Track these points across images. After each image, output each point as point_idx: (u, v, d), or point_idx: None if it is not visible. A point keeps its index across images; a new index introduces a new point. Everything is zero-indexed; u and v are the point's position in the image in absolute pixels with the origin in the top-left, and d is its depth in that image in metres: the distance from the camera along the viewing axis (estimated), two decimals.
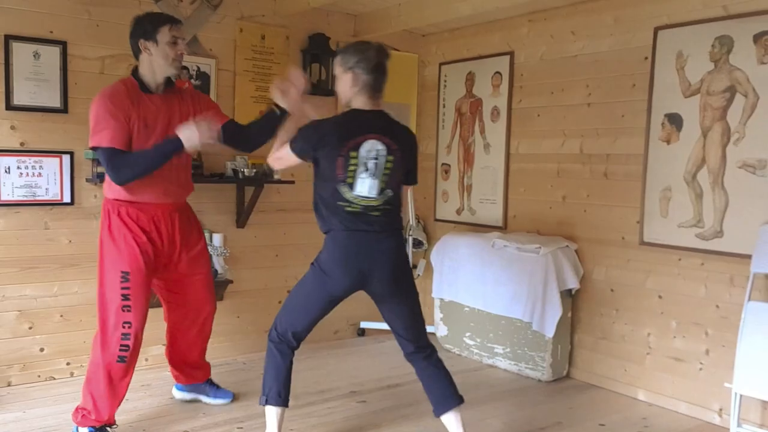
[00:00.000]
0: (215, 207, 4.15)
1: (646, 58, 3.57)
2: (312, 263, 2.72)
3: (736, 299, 3.22)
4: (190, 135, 2.73)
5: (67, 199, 3.63)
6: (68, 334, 3.69)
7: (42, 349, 3.64)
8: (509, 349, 4.07)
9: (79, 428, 2.88)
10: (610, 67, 3.77)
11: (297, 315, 2.72)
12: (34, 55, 3.48)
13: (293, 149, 2.65)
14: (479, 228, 4.58)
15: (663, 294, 3.56)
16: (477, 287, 4.16)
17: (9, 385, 3.55)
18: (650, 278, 3.61)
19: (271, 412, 2.74)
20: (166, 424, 3.16)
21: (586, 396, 3.72)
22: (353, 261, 2.60)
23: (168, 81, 2.93)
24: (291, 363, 2.76)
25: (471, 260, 4.20)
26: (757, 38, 3.11)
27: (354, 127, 2.59)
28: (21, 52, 3.44)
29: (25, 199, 3.52)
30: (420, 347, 2.78)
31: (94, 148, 2.78)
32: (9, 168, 3.46)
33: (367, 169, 2.57)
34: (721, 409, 3.31)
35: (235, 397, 3.43)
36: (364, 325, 4.82)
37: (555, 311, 3.77)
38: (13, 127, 3.48)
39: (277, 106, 2.95)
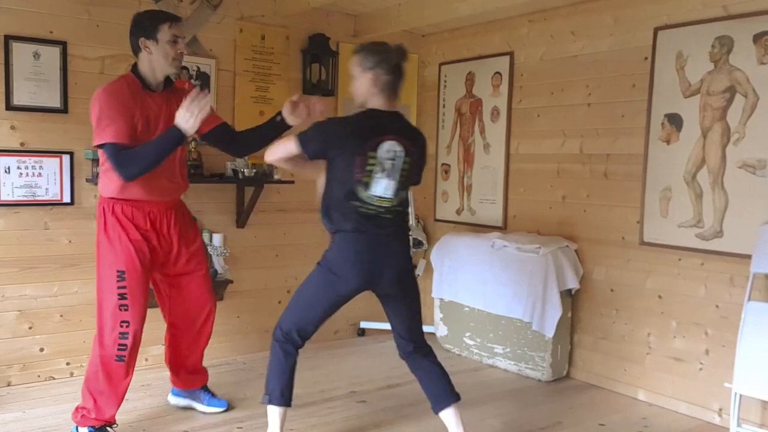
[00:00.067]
0: (215, 207, 4.15)
1: (646, 58, 3.57)
2: (318, 263, 2.71)
3: (736, 299, 3.22)
4: (185, 115, 2.66)
5: (67, 199, 3.63)
6: (68, 334, 3.69)
7: (42, 349, 3.64)
8: (509, 349, 4.07)
9: (79, 428, 2.87)
10: (610, 67, 3.78)
11: (303, 315, 2.71)
12: (34, 55, 3.48)
13: (304, 145, 2.59)
14: (479, 228, 4.58)
15: (663, 294, 3.56)
16: (477, 287, 4.16)
17: (9, 385, 3.55)
18: (650, 278, 3.61)
19: (274, 412, 2.74)
20: (166, 424, 3.16)
21: (586, 396, 3.73)
22: (364, 263, 2.60)
23: (167, 80, 2.93)
24: (295, 362, 2.76)
25: (471, 260, 4.20)
26: (757, 38, 3.11)
27: (373, 127, 2.59)
28: (21, 52, 3.44)
29: (25, 199, 3.52)
30: (418, 346, 2.80)
31: (99, 146, 2.74)
32: (9, 168, 3.46)
33: (384, 170, 2.57)
34: (721, 409, 3.31)
35: (229, 406, 3.34)
36: (364, 325, 4.82)
37: (555, 311, 3.77)
38: (13, 127, 3.48)
39: (281, 115, 2.98)
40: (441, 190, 4.94)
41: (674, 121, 3.45)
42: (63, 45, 3.55)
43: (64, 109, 3.58)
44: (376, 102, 2.63)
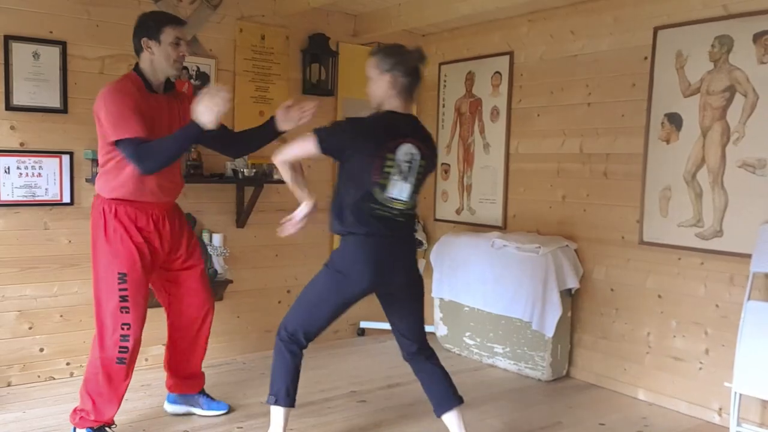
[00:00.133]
0: (215, 207, 4.15)
1: (646, 57, 3.57)
2: (326, 265, 2.69)
3: (735, 298, 3.23)
4: (203, 109, 2.63)
5: (66, 199, 3.63)
6: (68, 334, 3.69)
7: (42, 349, 3.64)
8: (509, 348, 4.07)
9: (77, 429, 2.86)
10: (609, 67, 3.78)
11: (310, 315, 2.71)
12: (33, 56, 3.48)
13: (322, 141, 2.53)
14: (479, 228, 4.58)
15: (663, 293, 3.56)
16: (477, 287, 4.16)
17: (9, 386, 3.55)
18: (650, 278, 3.61)
19: (279, 412, 2.73)
20: (166, 424, 3.15)
21: (585, 395, 3.73)
22: (376, 265, 2.60)
23: (168, 82, 2.93)
24: (300, 363, 2.76)
25: (471, 260, 4.20)
26: (756, 38, 3.11)
27: (393, 129, 2.58)
28: (20, 52, 3.44)
29: (24, 199, 3.52)
30: (422, 348, 2.80)
31: (117, 142, 2.69)
32: (9, 168, 3.46)
33: (400, 172, 2.57)
34: (720, 409, 3.31)
35: (229, 409, 3.31)
36: (364, 325, 4.82)
37: (555, 311, 3.77)
38: (12, 128, 3.48)
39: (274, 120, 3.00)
40: (441, 189, 4.94)
41: (674, 120, 3.45)
42: (63, 45, 3.55)
43: (63, 109, 3.58)
44: (393, 104, 2.61)
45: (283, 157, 2.60)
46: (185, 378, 3.23)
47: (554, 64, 4.09)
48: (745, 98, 3.16)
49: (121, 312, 2.78)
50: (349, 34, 4.64)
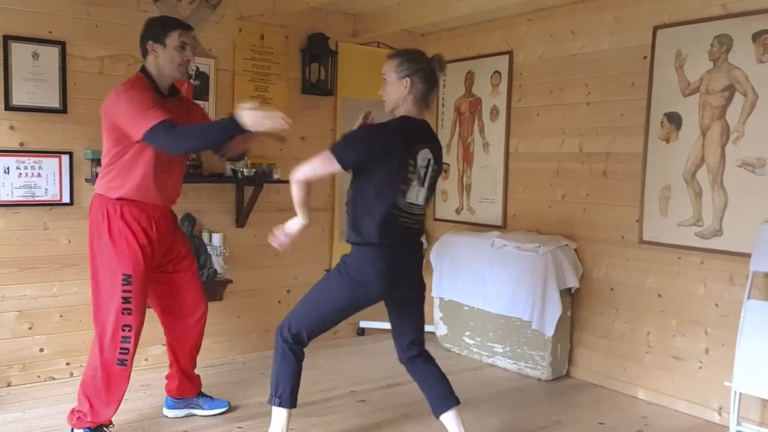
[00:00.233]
0: (215, 207, 4.15)
1: (646, 57, 3.57)
2: (338, 269, 2.67)
3: (735, 298, 3.23)
4: (255, 114, 2.58)
5: (66, 199, 3.63)
6: (68, 334, 3.69)
7: (42, 350, 3.64)
8: (509, 348, 4.07)
9: (75, 430, 2.85)
10: (609, 66, 3.78)
11: (317, 317, 2.70)
12: (33, 56, 3.48)
13: (341, 158, 2.49)
14: (479, 227, 4.58)
15: (662, 293, 3.56)
16: (476, 286, 4.16)
17: (9, 386, 3.55)
18: (650, 277, 3.61)
19: (281, 413, 2.73)
20: (165, 424, 3.15)
21: (585, 395, 3.73)
22: (392, 276, 2.60)
23: (172, 87, 2.93)
24: (302, 363, 2.76)
25: (470, 259, 4.20)
26: (756, 37, 3.11)
27: (413, 135, 2.58)
28: (20, 52, 3.44)
29: (24, 199, 3.51)
30: (421, 350, 2.81)
31: (146, 134, 2.62)
32: (8, 168, 3.46)
33: (419, 177, 2.59)
34: (720, 408, 3.31)
35: (230, 406, 3.31)
36: (363, 324, 4.82)
37: (554, 310, 3.77)
38: (12, 128, 3.47)
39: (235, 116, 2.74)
40: (440, 189, 4.93)
41: (673, 119, 3.45)
42: (62, 45, 3.54)
43: (63, 109, 3.58)
44: (409, 109, 2.60)
45: (304, 176, 2.55)
46: (187, 377, 3.21)
47: (554, 64, 4.09)
48: (744, 97, 3.16)
49: (123, 313, 2.78)
50: (349, 34, 4.64)
